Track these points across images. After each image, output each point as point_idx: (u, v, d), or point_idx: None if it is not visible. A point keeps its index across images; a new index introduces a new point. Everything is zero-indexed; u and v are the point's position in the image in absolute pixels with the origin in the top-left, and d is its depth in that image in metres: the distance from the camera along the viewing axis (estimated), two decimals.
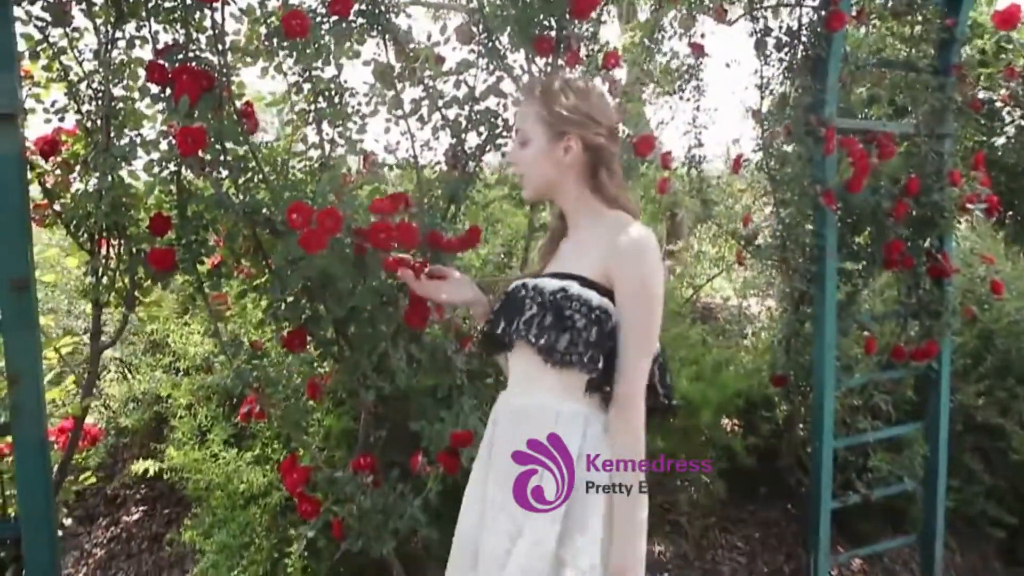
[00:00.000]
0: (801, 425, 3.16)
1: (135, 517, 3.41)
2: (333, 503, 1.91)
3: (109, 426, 2.96)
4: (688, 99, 2.63)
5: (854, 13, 2.60)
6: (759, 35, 2.50)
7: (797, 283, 2.52)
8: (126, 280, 1.83)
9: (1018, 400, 3.17)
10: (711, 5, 2.49)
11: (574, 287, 1.41)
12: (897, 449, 3.06)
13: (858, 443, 2.82)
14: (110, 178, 1.71)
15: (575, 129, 1.47)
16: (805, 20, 2.44)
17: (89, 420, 3.36)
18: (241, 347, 1.89)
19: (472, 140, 2.09)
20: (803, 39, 2.46)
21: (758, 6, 2.46)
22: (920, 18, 2.65)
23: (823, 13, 2.41)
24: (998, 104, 4.89)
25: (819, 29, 2.44)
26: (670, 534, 3.13)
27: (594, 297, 1.39)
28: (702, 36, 2.62)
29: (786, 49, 2.49)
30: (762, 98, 2.54)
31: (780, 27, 2.48)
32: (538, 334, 1.39)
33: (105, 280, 1.84)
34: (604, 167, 1.49)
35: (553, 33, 2.11)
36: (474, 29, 2.10)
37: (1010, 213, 5.51)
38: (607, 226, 1.44)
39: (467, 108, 2.08)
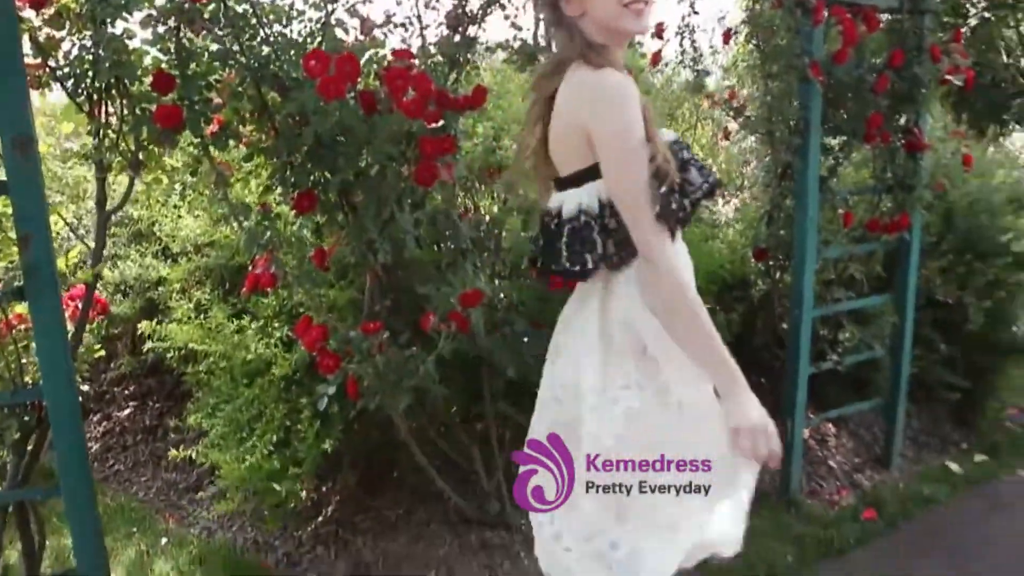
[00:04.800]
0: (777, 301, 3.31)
1: (126, 412, 3.44)
2: (348, 362, 1.97)
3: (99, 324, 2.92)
4: None
5: None
6: None
7: (783, 155, 2.59)
8: (130, 141, 1.80)
9: (975, 275, 3.36)
10: None
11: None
12: (864, 322, 3.24)
13: (833, 312, 2.98)
14: (109, 30, 1.65)
15: None
16: None
17: None
18: (250, 210, 1.88)
19: (474, 2, 2.07)
20: None
21: None
22: None
23: None
24: None
25: None
26: None
27: None
28: None
29: None
30: None
31: None
32: None
33: (107, 142, 1.80)
34: None
35: None
36: None
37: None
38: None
39: None
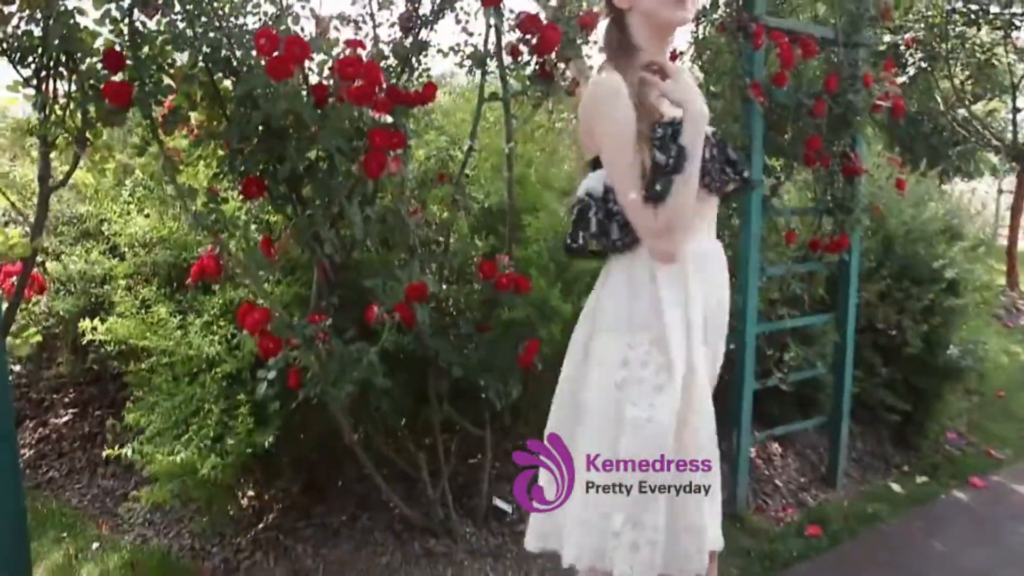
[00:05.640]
0: None
1: (64, 419, 3.34)
2: (291, 350, 1.95)
3: (39, 315, 2.86)
4: None
5: None
6: None
7: None
8: (77, 118, 1.79)
9: (912, 300, 3.49)
10: None
11: None
12: (808, 341, 3.32)
13: (777, 329, 3.05)
14: (60, 2, 1.67)
15: None
16: None
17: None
18: (197, 193, 1.89)
19: (427, 5, 2.13)
20: None
21: None
22: None
23: None
24: (902, 47, 5.27)
25: None
26: None
27: None
28: None
29: None
30: None
31: None
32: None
33: (53, 118, 1.79)
34: None
35: None
36: None
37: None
38: None
39: None
